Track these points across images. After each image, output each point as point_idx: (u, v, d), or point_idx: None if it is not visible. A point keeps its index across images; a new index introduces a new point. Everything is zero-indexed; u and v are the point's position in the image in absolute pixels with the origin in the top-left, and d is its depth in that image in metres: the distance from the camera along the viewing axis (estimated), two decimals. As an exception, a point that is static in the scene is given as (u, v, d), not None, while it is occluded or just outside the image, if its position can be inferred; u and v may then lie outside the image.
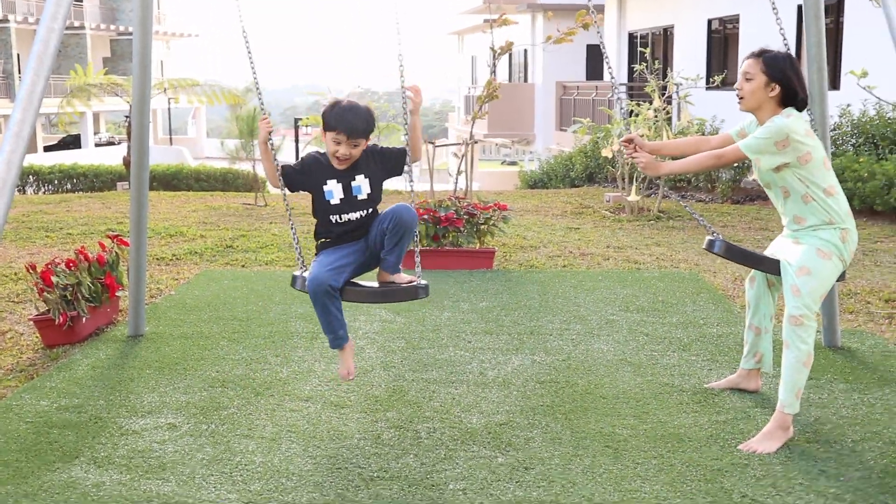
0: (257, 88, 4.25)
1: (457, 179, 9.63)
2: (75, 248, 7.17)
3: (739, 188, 13.41)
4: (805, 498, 3.42)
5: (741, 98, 4.12)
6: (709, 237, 4.26)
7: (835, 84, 13.28)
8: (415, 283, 3.94)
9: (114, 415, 4.31)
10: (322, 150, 4.08)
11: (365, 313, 6.17)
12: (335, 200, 3.95)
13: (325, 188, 3.95)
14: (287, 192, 4.05)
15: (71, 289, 5.58)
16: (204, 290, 6.99)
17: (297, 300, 6.48)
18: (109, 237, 6.14)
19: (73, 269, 5.67)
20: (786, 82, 4.03)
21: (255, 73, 4.22)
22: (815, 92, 4.99)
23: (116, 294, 6.02)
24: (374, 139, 4.19)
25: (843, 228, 4.03)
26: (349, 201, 3.95)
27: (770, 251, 4.30)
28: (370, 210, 4.00)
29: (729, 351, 5.31)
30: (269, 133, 4.00)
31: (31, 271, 5.65)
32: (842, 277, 4.20)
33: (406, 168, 4.03)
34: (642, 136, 10.87)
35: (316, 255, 4.06)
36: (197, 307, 6.42)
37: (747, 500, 3.40)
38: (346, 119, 3.85)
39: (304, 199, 13.17)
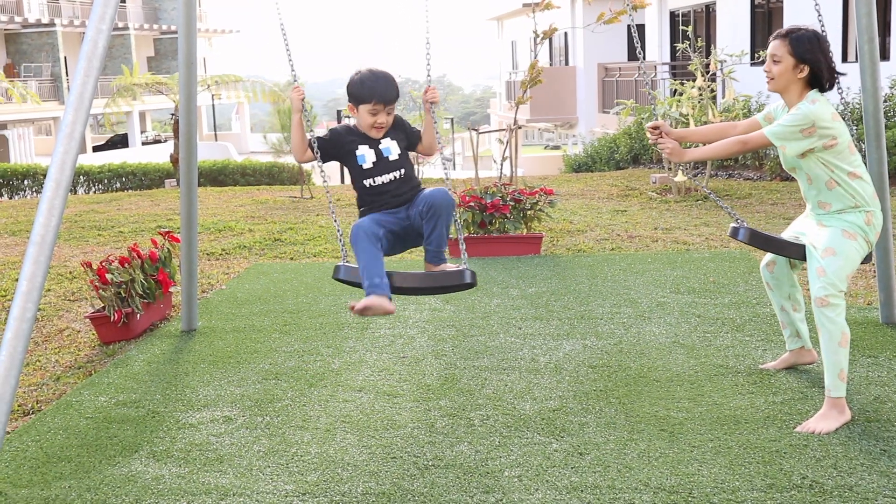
0: (290, 62, 4.23)
1: (501, 166, 9.60)
2: (127, 245, 7.27)
3: (789, 165, 13.19)
4: (867, 479, 3.36)
5: (770, 79, 4.06)
6: (733, 224, 4.23)
7: (885, 55, 12.99)
8: (460, 269, 3.89)
9: (170, 409, 4.38)
10: (352, 124, 4.13)
11: (415, 302, 6.18)
12: (367, 164, 3.99)
13: (357, 153, 4.00)
14: (320, 162, 4.08)
15: (125, 286, 5.66)
16: (254, 283, 7.06)
17: (346, 291, 6.51)
18: (161, 234, 6.22)
19: (126, 266, 5.75)
20: (814, 63, 3.96)
21: (287, 46, 4.23)
22: (866, 64, 4.88)
23: (169, 290, 6.10)
24: (417, 125, 4.27)
25: (867, 211, 3.99)
26: (381, 163, 3.98)
27: (791, 232, 4.26)
28: (403, 172, 4.00)
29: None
30: (302, 100, 4.03)
31: (87, 269, 5.74)
32: (867, 259, 4.15)
33: (445, 157, 4.04)
34: (686, 115, 10.75)
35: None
36: (248, 301, 6.48)
37: (807, 482, 3.35)
38: (378, 88, 3.92)
39: (347, 191, 13.21)
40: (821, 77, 3.99)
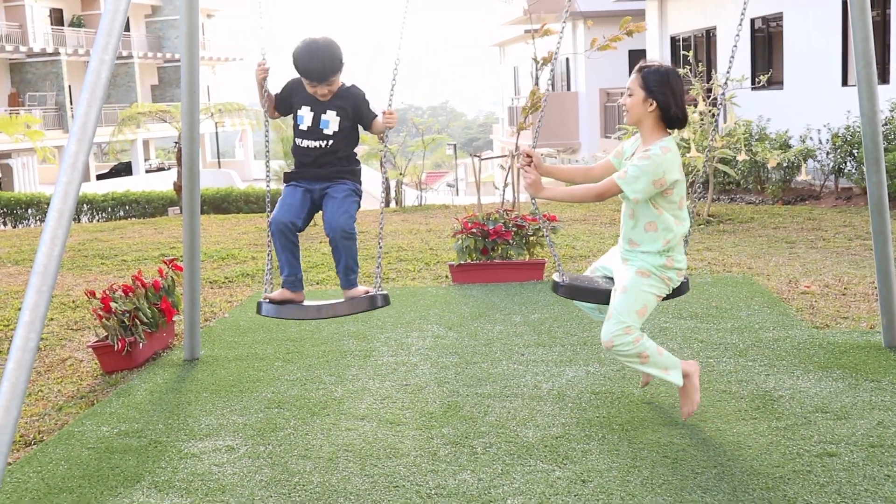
0: (261, 42, 4.36)
1: (503, 191, 9.62)
2: (130, 274, 7.29)
3: (790, 188, 13.22)
4: (872, 504, 3.34)
5: (625, 111, 4.18)
6: (554, 277, 4.38)
7: (884, 78, 13.04)
8: (371, 294, 4.26)
9: (173, 438, 4.37)
10: None
11: (417, 330, 6.18)
12: (303, 126, 4.23)
13: (299, 112, 4.23)
14: (278, 116, 4.40)
15: (129, 315, 5.67)
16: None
17: (348, 319, 6.50)
18: (165, 262, 6.23)
19: (130, 295, 5.76)
20: (661, 99, 4.04)
21: (261, 27, 4.40)
22: (863, 87, 4.90)
23: (172, 319, 6.11)
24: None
25: (668, 255, 4.10)
26: (314, 131, 4.22)
27: (602, 262, 4.45)
28: (331, 145, 4.22)
29: (786, 355, 5.22)
30: (264, 78, 4.27)
31: (91, 297, 5.75)
32: (682, 291, 4.28)
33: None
34: (688, 140, 10.78)
35: (283, 183, 4.37)
36: (251, 329, 6.48)
37: (812, 508, 3.33)
38: (310, 68, 4.10)
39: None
40: (668, 114, 4.06)
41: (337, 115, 4.20)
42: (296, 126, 4.24)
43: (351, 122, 4.25)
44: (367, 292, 4.29)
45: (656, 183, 3.96)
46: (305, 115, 4.21)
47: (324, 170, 4.24)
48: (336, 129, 4.21)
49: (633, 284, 4.07)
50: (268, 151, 4.38)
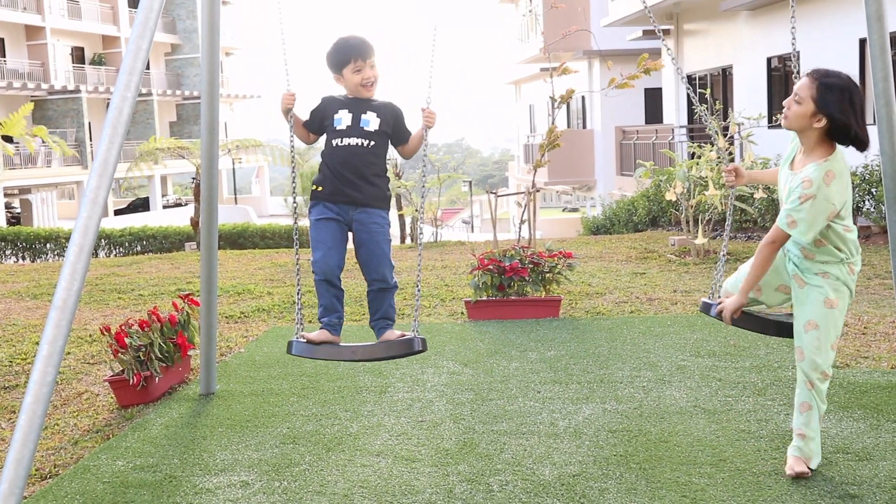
0: (286, 70, 4.32)
1: (520, 228, 9.62)
2: (147, 308, 7.31)
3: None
4: (896, 547, 3.29)
5: (785, 117, 3.78)
6: (704, 299, 4.28)
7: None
8: (410, 337, 4.11)
9: (188, 473, 4.35)
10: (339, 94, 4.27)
11: (432, 366, 6.16)
12: (341, 126, 4.14)
13: (336, 116, 4.16)
14: (313, 139, 4.32)
15: (144, 349, 5.68)
16: (272, 346, 7.06)
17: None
18: (181, 297, 6.25)
19: (146, 329, 5.77)
20: (836, 118, 3.64)
21: (285, 59, 4.35)
22: (884, 127, 4.89)
23: (188, 353, 6.11)
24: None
25: (850, 262, 3.85)
26: (355, 129, 4.13)
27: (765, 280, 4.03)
28: (372, 145, 4.13)
29: (806, 394, 5.17)
30: (289, 107, 4.20)
31: (105, 333, 5.77)
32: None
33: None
34: (705, 178, 10.79)
35: (310, 203, 4.24)
36: (266, 364, 6.48)
37: (835, 551, 3.28)
38: (353, 46, 4.13)
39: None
40: (841, 135, 3.69)
41: (377, 116, 4.15)
42: (332, 129, 4.15)
43: (389, 130, 4.19)
44: (403, 335, 4.16)
45: (829, 217, 3.66)
46: (343, 117, 4.14)
47: (361, 191, 4.11)
48: (377, 128, 4.14)
49: (824, 319, 3.78)
50: (294, 185, 4.36)
